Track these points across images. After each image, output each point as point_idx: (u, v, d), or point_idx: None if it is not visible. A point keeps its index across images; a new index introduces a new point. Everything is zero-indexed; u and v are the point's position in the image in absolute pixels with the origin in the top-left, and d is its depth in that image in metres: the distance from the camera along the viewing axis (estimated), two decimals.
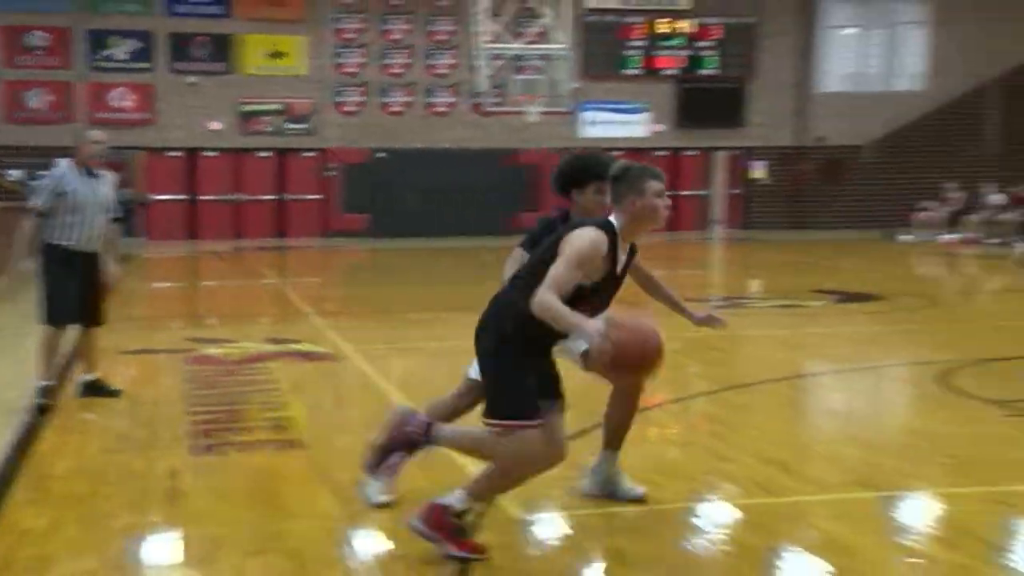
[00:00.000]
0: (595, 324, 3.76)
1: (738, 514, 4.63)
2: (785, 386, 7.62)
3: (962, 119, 26.28)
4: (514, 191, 25.79)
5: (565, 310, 3.78)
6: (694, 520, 4.51)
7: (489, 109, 25.23)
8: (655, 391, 7.42)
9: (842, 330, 10.70)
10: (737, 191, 27.25)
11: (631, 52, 26.66)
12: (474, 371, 4.49)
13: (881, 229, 24.45)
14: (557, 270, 3.85)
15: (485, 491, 4.10)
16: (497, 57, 23.01)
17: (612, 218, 4.05)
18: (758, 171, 27.37)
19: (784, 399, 7.29)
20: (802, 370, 8.51)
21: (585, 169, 4.53)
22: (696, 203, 26.96)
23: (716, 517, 4.56)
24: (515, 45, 23.12)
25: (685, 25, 26.70)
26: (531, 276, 3.94)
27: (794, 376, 8.05)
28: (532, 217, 26.22)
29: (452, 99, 26.19)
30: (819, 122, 27.35)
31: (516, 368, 3.96)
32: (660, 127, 26.87)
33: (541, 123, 24.00)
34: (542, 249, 4.05)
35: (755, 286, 15.97)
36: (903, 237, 23.34)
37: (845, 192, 26.51)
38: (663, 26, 26.65)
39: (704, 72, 27.00)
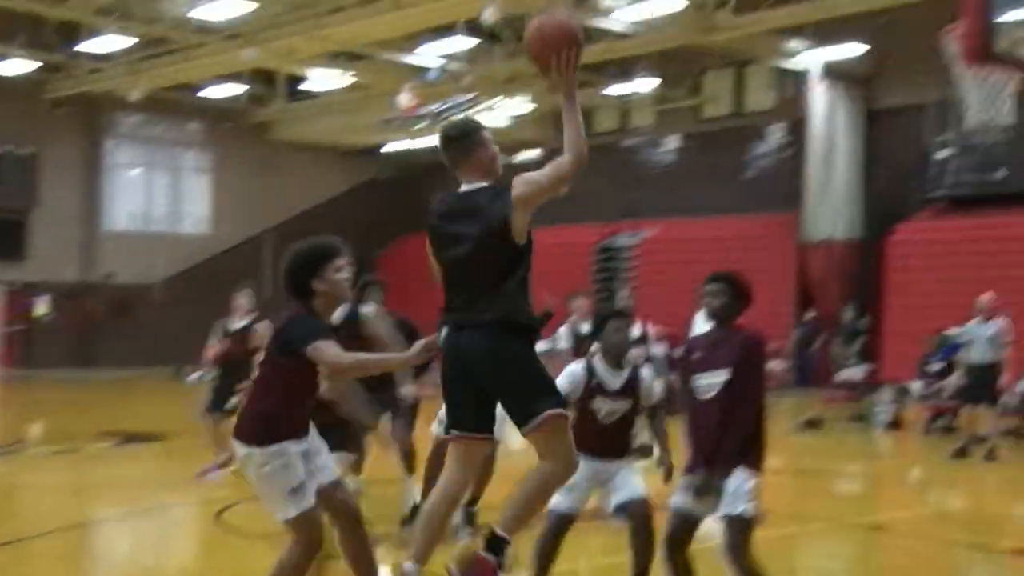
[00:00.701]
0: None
1: None
2: (65, 536, 7.35)
3: (244, 262, 28.04)
4: None
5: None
6: None
7: None
8: None
9: (127, 472, 10.62)
10: (17, 328, 25.66)
11: None
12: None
13: (171, 366, 24.80)
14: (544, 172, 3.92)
15: (527, 516, 4.00)
16: None
17: (477, 182, 4.02)
18: (41, 307, 26.13)
19: (61, 551, 7.03)
20: (84, 518, 8.27)
21: (317, 254, 4.28)
22: None
23: None
24: None
25: None
26: (493, 294, 3.94)
27: (75, 525, 7.80)
28: None
29: None
30: (108, 258, 27.11)
31: (536, 357, 4.01)
32: None
33: None
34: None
35: (35, 430, 15.14)
36: (192, 376, 23.92)
37: (135, 329, 26.49)
38: None
39: None
